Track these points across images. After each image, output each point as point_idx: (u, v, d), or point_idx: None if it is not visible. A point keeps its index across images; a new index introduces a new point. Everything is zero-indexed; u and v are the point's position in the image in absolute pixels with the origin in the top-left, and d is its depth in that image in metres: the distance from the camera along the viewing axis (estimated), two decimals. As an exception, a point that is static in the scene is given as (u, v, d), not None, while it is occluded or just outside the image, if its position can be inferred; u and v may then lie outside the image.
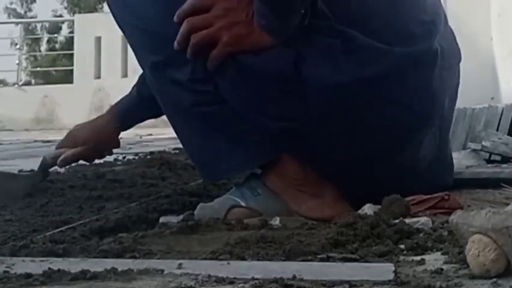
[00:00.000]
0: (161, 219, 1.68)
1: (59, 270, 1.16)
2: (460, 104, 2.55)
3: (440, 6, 1.73)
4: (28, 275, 1.14)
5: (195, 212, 1.67)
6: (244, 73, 1.54)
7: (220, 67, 1.53)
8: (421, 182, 1.70)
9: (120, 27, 1.72)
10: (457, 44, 1.77)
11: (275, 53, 1.51)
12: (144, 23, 1.62)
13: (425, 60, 1.58)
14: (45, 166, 2.25)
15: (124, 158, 3.40)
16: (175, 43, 1.53)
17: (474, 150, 2.41)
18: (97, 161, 3.10)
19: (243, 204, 1.63)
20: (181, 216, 1.65)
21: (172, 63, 1.59)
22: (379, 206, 1.61)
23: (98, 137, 2.21)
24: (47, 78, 19.47)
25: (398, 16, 1.57)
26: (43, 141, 5.93)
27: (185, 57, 1.53)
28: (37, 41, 25.56)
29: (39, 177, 2.26)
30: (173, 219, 1.66)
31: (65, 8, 27.35)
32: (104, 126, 2.23)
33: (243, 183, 1.68)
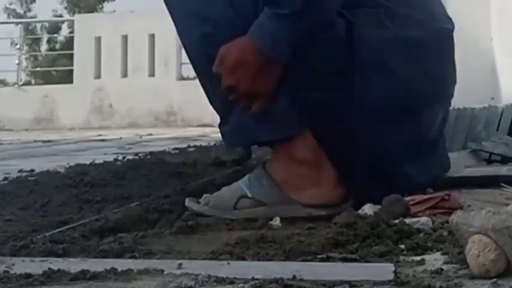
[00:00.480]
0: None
1: (59, 270, 1.16)
2: (460, 104, 2.56)
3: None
4: (28, 275, 1.14)
5: (201, 200, 1.79)
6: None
7: None
8: (423, 154, 1.83)
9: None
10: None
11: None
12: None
13: (449, 41, 1.87)
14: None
15: (124, 158, 3.40)
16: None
17: (474, 151, 2.41)
18: (96, 161, 3.11)
19: (249, 195, 1.74)
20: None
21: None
22: (379, 206, 1.62)
23: None
24: (47, 78, 19.46)
25: (430, 2, 1.87)
26: (43, 141, 5.92)
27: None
28: (37, 41, 25.57)
29: (245, 156, 2.54)
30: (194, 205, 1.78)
31: (65, 8, 27.37)
32: None
33: (251, 173, 1.79)
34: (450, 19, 1.91)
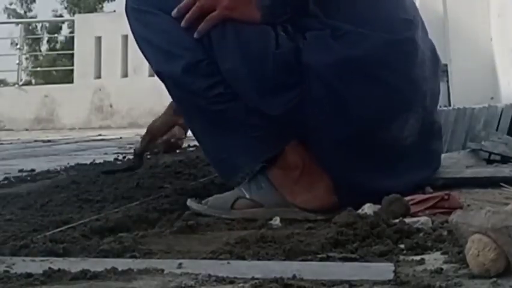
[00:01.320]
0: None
1: (59, 269, 1.16)
2: (459, 104, 2.56)
3: (416, 10, 1.94)
4: (28, 275, 1.14)
5: (203, 202, 1.81)
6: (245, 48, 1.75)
7: (222, 39, 1.75)
8: (401, 162, 1.81)
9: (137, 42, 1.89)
10: (437, 55, 1.95)
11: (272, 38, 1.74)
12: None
13: (406, 48, 1.81)
14: (138, 156, 2.49)
15: (124, 157, 3.41)
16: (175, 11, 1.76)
17: (474, 150, 2.41)
18: (97, 161, 3.11)
19: (247, 196, 1.79)
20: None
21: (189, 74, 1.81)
22: (379, 206, 1.62)
23: (168, 128, 2.47)
24: (48, 78, 19.43)
25: (379, 12, 1.82)
26: (43, 141, 5.92)
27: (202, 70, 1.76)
28: (37, 41, 25.53)
29: (137, 165, 2.51)
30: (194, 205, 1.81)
31: (65, 8, 27.34)
32: (170, 117, 2.44)
33: (251, 178, 1.82)
34: (411, 23, 1.84)
